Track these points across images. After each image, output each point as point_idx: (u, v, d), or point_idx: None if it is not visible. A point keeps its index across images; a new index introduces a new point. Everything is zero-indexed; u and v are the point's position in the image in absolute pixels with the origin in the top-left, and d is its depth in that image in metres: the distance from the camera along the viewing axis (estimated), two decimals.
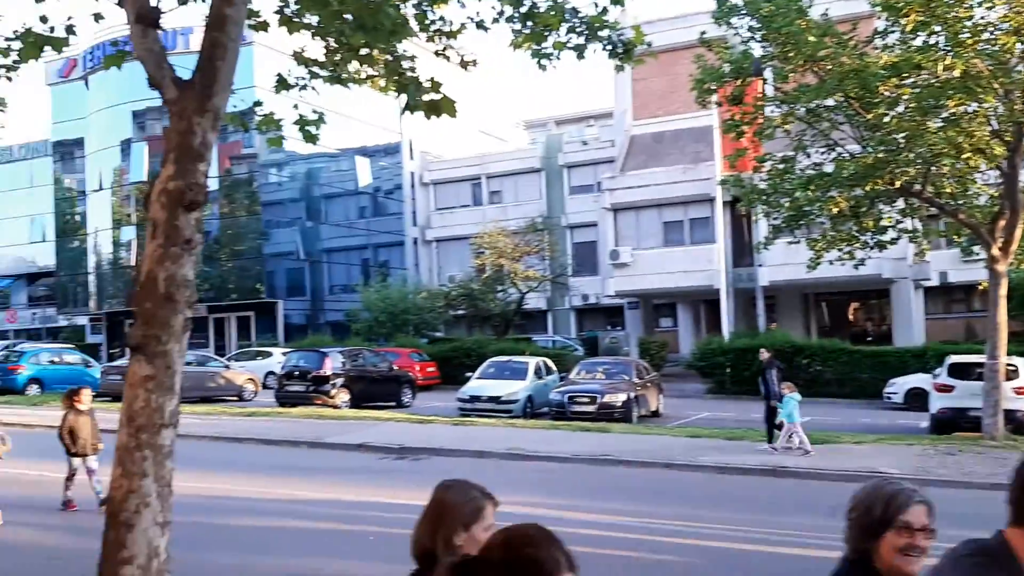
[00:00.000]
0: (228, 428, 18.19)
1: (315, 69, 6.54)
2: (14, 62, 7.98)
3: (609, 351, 32.96)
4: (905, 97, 16.29)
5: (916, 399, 22.22)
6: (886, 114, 16.61)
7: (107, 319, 45.96)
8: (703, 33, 18.49)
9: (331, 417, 20.42)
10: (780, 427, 15.42)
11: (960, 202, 17.92)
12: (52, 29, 5.03)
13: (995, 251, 16.75)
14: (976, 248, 19.08)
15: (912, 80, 16.21)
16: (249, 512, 10.76)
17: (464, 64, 6.86)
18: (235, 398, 26.77)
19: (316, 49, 6.54)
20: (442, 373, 31.88)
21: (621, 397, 20.44)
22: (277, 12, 6.15)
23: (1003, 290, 16.96)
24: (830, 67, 16.61)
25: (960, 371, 18.39)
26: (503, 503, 9.51)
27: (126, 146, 43.35)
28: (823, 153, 18.21)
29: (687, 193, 34.12)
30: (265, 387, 28.62)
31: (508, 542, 1.99)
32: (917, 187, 17.37)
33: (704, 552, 8.79)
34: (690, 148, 35.50)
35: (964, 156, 16.49)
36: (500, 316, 37.99)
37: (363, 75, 6.98)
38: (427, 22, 6.48)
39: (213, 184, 38.03)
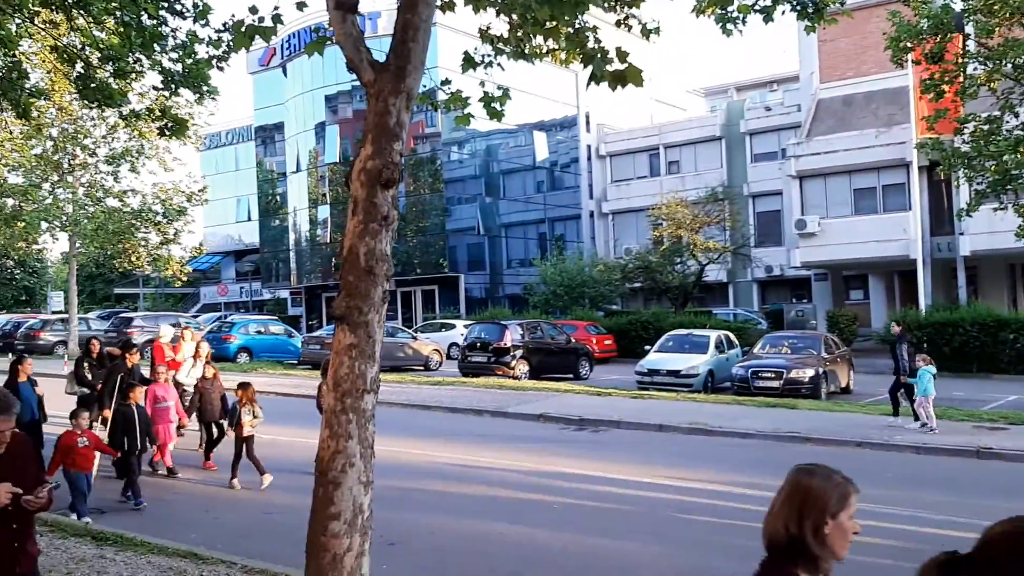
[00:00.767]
0: (416, 396, 19.01)
1: (500, 46, 6.65)
2: (224, 52, 8.66)
3: (795, 324, 31.72)
4: None
5: None
6: None
7: (306, 292, 49.00)
8: None
9: (511, 387, 20.88)
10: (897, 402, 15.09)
11: None
12: (261, 19, 5.38)
13: None
14: None
15: None
16: (437, 476, 11.24)
17: (646, 33, 6.77)
18: (421, 368, 27.95)
19: (500, 26, 6.65)
20: (619, 346, 31.83)
21: (809, 372, 19.66)
22: None
23: None
24: None
25: None
26: (690, 478, 9.47)
27: (320, 129, 45.80)
28: None
29: (880, 158, 32.23)
30: (449, 357, 29.67)
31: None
32: None
33: (909, 536, 8.37)
34: (883, 111, 33.44)
35: None
36: (678, 289, 37.39)
37: (545, 49, 7.06)
38: None
39: None
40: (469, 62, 6.75)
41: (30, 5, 9.96)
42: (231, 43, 7.41)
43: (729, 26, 6.45)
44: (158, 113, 10.94)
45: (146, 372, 12.83)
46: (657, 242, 37.98)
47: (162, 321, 34.09)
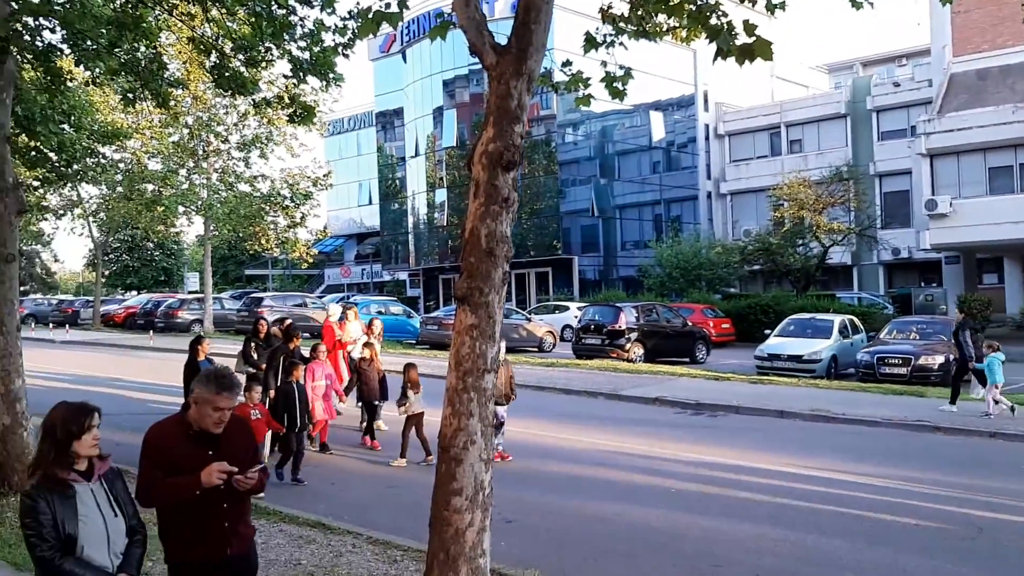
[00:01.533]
0: (531, 377, 19.16)
1: (621, 25, 6.60)
2: (349, 40, 8.89)
3: (924, 309, 30.33)
4: None
5: None
6: None
7: (423, 274, 50.03)
8: None
9: (626, 370, 20.77)
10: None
11: None
12: (387, 5, 5.50)
13: None
14: None
15: None
16: (551, 456, 11.33)
17: (771, 7, 6.59)
18: (535, 349, 28.13)
19: (620, 6, 6.59)
20: (737, 330, 31.19)
21: (939, 359, 18.78)
22: None
23: None
24: None
25: None
26: (810, 466, 9.27)
27: (438, 114, 46.51)
28: None
29: (1017, 135, 30.32)
30: (562, 339, 29.74)
31: None
32: None
33: None
34: (1020, 85, 31.44)
35: None
36: (800, 271, 36.28)
37: (667, 27, 6.96)
38: None
39: None
40: (591, 42, 6.72)
41: None
42: (357, 30, 7.61)
43: None
44: (287, 100, 11.32)
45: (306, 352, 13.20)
46: (777, 223, 36.95)
47: (289, 301, 35.54)
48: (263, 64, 10.88)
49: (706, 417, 14.99)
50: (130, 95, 11.10)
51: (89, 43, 10.20)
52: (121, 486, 3.81)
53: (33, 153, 13.40)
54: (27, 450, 8.37)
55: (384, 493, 9.57)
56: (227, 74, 10.57)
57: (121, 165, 33.65)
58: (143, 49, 10.93)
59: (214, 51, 10.54)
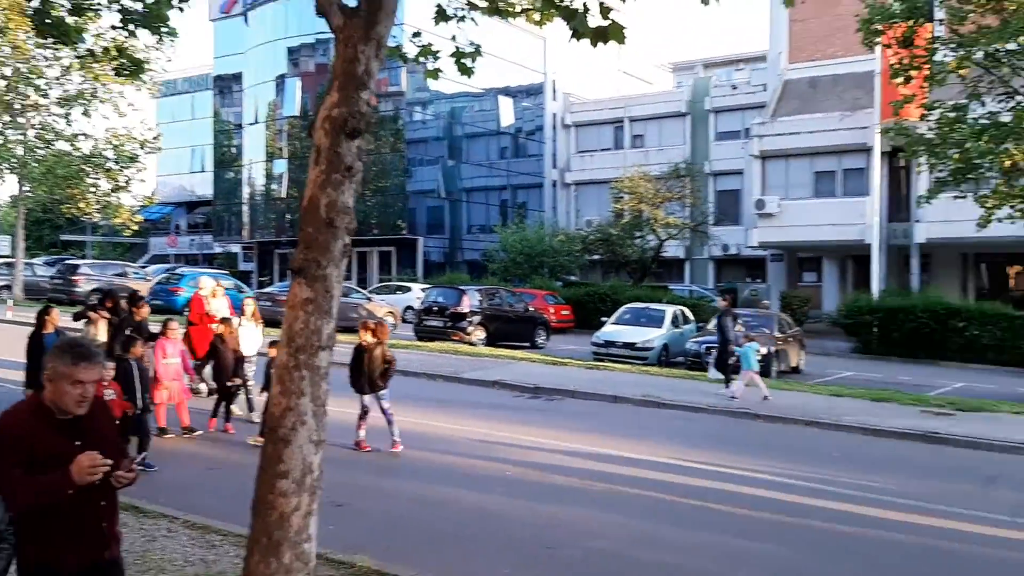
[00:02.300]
0: None
1: (473, 1, 6.44)
2: None
3: (749, 303, 32.03)
4: None
5: None
6: None
7: (258, 248, 48.28)
8: None
9: (467, 353, 20.77)
10: (736, 372, 15.72)
11: None
12: None
13: None
14: None
15: None
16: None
17: None
18: None
19: None
20: (576, 317, 31.86)
21: (762, 351, 19.79)
22: None
23: None
24: (1015, 7, 15.22)
25: None
26: (641, 450, 9.42)
27: (280, 81, 44.86)
28: (1000, 101, 16.83)
29: (842, 142, 32.49)
30: (404, 321, 29.43)
31: None
32: None
33: (846, 518, 8.45)
34: (848, 94, 33.65)
35: None
36: (637, 263, 37.52)
37: (520, 8, 6.86)
38: None
39: None
40: (442, 15, 6.53)
41: None
42: None
43: None
44: (114, 52, 10.47)
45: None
46: (618, 215, 38.02)
47: (109, 270, 33.38)
48: (90, 13, 10.02)
49: (543, 401, 15.17)
50: None
51: None
52: None
53: None
54: None
55: (205, 475, 9.06)
56: (48, 21, 9.67)
57: None
58: None
59: None
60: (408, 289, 33.81)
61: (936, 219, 28.50)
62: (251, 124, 47.47)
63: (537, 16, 6.85)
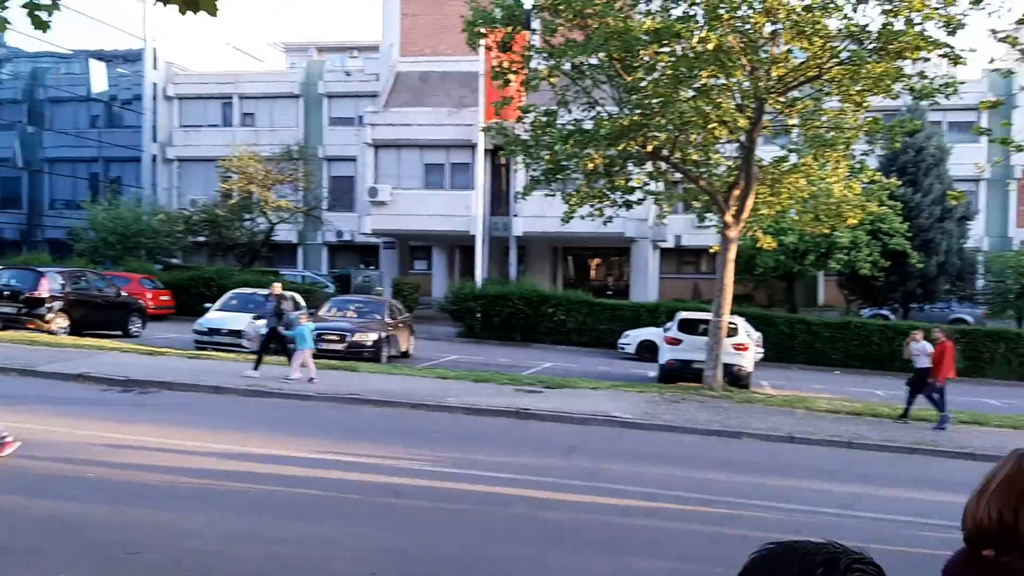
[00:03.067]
0: None
1: None
2: None
3: (362, 289, 32.40)
4: (662, 64, 16.93)
5: (647, 351, 23.81)
6: (644, 78, 17.20)
7: None
8: None
9: (45, 343, 18.44)
10: (289, 355, 15.98)
11: (702, 170, 19.08)
12: None
13: (728, 218, 18.05)
14: (709, 215, 20.44)
15: (670, 48, 16.87)
16: None
17: None
18: None
19: None
20: (178, 303, 29.88)
21: (372, 336, 20.11)
22: None
23: (732, 255, 18.36)
24: (596, 26, 16.88)
25: (688, 326, 19.81)
26: (240, 442, 8.89)
27: None
28: (584, 110, 18.62)
29: (450, 137, 34.04)
30: None
31: None
32: (666, 152, 18.27)
33: (447, 495, 8.74)
34: (455, 91, 35.34)
35: (710, 126, 17.45)
36: (246, 246, 36.19)
37: None
38: None
39: None
40: None
41: None
42: None
43: None
44: None
45: None
46: (226, 196, 36.30)
47: None
48: None
49: (136, 395, 13.90)
50: None
51: None
52: None
53: None
54: None
55: None
56: None
57: None
58: None
59: None
60: None
61: (531, 214, 31.05)
62: None
63: None
